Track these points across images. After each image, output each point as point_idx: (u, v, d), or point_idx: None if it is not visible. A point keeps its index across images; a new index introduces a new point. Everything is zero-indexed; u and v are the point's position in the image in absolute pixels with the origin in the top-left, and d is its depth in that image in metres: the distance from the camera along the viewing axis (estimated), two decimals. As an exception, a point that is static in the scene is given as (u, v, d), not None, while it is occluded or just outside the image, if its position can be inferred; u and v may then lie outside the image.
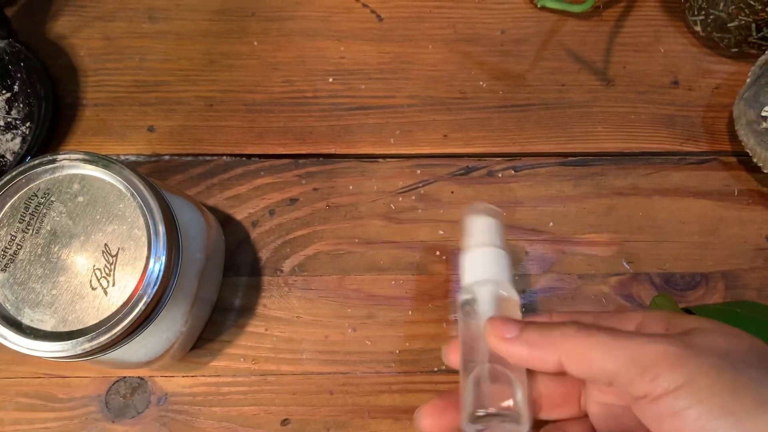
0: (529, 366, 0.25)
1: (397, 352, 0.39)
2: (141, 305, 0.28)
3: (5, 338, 0.28)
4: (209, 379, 0.38)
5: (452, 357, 0.28)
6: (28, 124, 0.40)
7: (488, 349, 0.25)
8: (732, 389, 0.20)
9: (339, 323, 0.39)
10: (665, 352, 0.21)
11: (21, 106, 0.40)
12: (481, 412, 0.24)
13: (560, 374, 0.24)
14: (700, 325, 0.23)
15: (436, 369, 0.38)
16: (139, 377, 0.38)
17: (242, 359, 0.38)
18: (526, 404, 0.25)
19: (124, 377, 0.38)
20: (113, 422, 0.37)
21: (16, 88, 0.40)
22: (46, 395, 0.38)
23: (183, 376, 0.38)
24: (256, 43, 0.44)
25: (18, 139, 0.40)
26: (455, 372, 0.39)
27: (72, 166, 0.30)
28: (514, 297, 0.28)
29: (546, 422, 0.27)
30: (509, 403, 0.24)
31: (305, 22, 0.45)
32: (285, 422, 0.38)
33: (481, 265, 0.29)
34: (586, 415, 0.27)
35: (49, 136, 0.41)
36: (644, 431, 0.22)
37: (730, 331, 0.23)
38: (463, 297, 0.28)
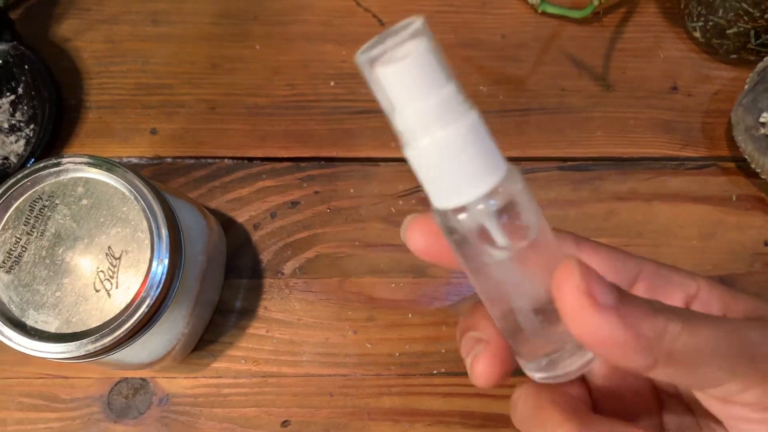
0: (603, 354, 0.16)
1: (397, 354, 0.39)
2: (144, 307, 0.29)
3: (10, 339, 0.28)
4: (210, 381, 0.38)
5: (412, 235, 0.20)
6: (32, 126, 0.40)
7: (531, 289, 0.18)
8: None
9: (339, 326, 0.39)
10: None
11: (25, 108, 0.40)
12: (550, 377, 0.19)
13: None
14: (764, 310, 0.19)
15: (435, 372, 0.38)
16: (141, 378, 0.38)
17: (243, 361, 0.39)
18: None
19: (126, 378, 0.38)
20: (115, 422, 0.37)
21: (20, 90, 0.41)
22: (48, 395, 0.38)
23: (184, 378, 0.38)
24: (258, 47, 0.45)
25: (22, 141, 0.40)
26: (455, 374, 0.39)
27: (76, 170, 0.30)
28: (520, 185, 0.17)
29: None
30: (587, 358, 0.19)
31: (307, 26, 0.45)
32: (285, 423, 0.38)
33: (460, 173, 0.17)
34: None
35: (52, 138, 0.42)
36: None
37: None
38: (448, 224, 0.18)
